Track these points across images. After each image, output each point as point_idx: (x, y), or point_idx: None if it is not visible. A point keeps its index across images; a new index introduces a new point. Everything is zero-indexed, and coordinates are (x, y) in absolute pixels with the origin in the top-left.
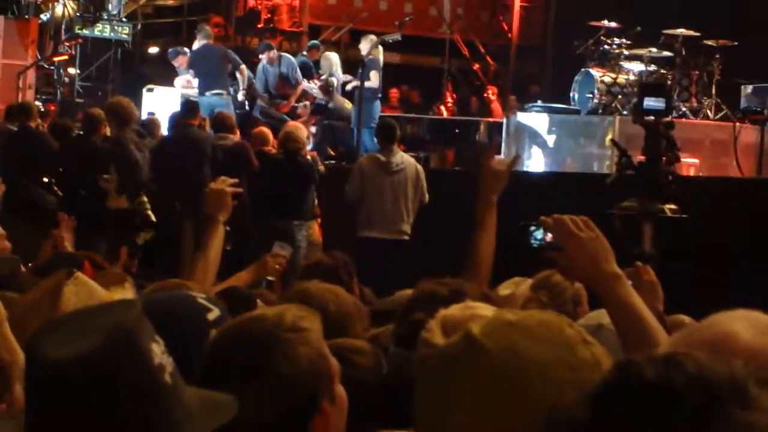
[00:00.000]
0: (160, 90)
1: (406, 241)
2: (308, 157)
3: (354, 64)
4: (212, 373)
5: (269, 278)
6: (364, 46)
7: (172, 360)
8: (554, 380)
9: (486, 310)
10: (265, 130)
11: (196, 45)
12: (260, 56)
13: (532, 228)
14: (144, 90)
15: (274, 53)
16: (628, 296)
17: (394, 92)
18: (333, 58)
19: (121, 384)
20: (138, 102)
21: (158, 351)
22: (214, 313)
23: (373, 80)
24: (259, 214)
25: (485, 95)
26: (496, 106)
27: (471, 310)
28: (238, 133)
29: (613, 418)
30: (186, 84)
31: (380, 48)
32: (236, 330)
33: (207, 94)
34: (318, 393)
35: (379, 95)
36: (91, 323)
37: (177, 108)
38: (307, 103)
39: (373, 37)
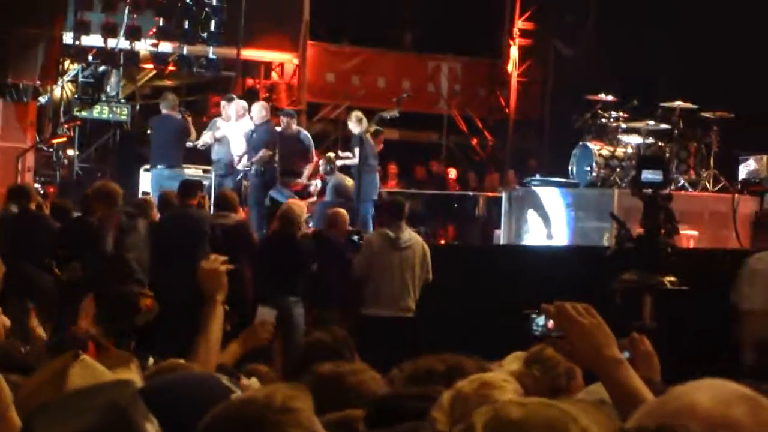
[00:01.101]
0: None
1: (411, 319)
2: (307, 234)
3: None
4: None
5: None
6: (353, 125)
7: None
8: None
9: (501, 389)
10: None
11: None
12: (282, 118)
13: (534, 315)
14: (141, 170)
15: (295, 124)
16: (628, 380)
17: (392, 168)
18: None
19: None
20: (135, 182)
21: (152, 430)
22: (237, 395)
23: (355, 155)
24: (256, 292)
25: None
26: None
27: (485, 389)
28: (240, 211)
29: None
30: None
31: (364, 123)
32: (227, 413)
33: (158, 167)
34: None
35: (377, 170)
36: (86, 403)
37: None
38: (318, 181)
39: (358, 113)
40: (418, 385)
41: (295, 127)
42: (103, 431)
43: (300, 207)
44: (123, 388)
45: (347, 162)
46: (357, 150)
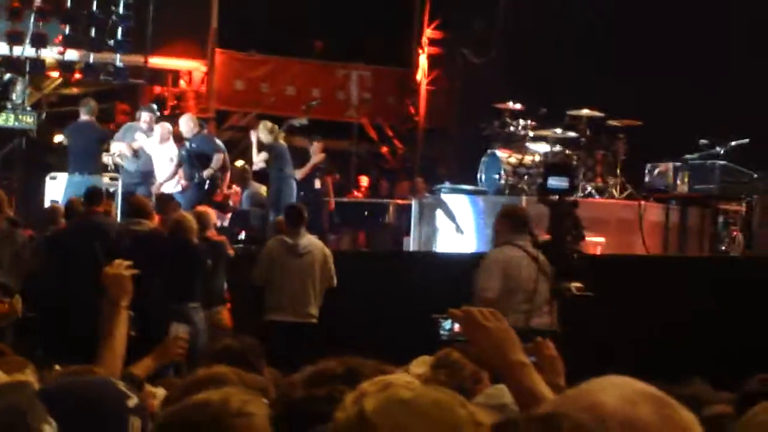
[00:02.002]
0: (63, 177)
1: (314, 324)
2: (208, 241)
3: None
4: None
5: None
6: (263, 134)
7: None
8: None
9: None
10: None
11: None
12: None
13: (441, 320)
14: (47, 178)
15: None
16: (533, 383)
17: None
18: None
19: None
20: (41, 190)
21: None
22: (133, 401)
23: (257, 162)
24: (156, 297)
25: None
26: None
27: (389, 388)
28: (155, 218)
29: None
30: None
31: (275, 131)
32: (182, 416)
33: (76, 173)
34: None
35: (293, 179)
36: None
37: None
38: (238, 189)
39: (267, 123)
40: (317, 387)
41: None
42: None
43: (204, 214)
44: (21, 390)
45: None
46: (267, 158)
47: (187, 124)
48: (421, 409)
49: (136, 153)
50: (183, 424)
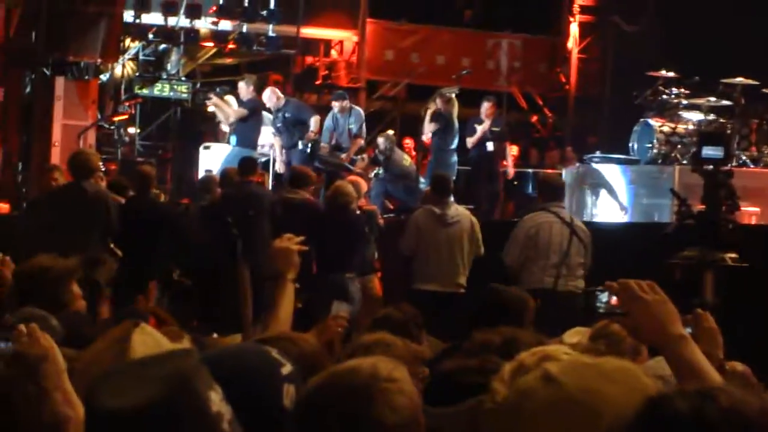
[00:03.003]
0: (216, 147)
1: (462, 294)
2: (361, 210)
3: (412, 120)
4: (310, 425)
5: None
6: (440, 102)
7: (239, 411)
8: (627, 420)
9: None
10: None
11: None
12: (333, 103)
13: (598, 292)
14: (201, 148)
15: (346, 103)
16: (692, 357)
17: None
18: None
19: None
20: (195, 159)
21: (216, 399)
22: (287, 368)
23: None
24: (316, 268)
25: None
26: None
27: (548, 359)
28: (312, 188)
29: None
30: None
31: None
32: (334, 381)
33: (234, 145)
34: None
35: (454, 152)
36: (150, 372)
37: (222, 161)
38: (366, 156)
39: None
40: (470, 358)
41: (347, 104)
42: (168, 400)
43: (357, 183)
44: (187, 357)
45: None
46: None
47: (270, 97)
48: (609, 373)
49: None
50: (336, 389)
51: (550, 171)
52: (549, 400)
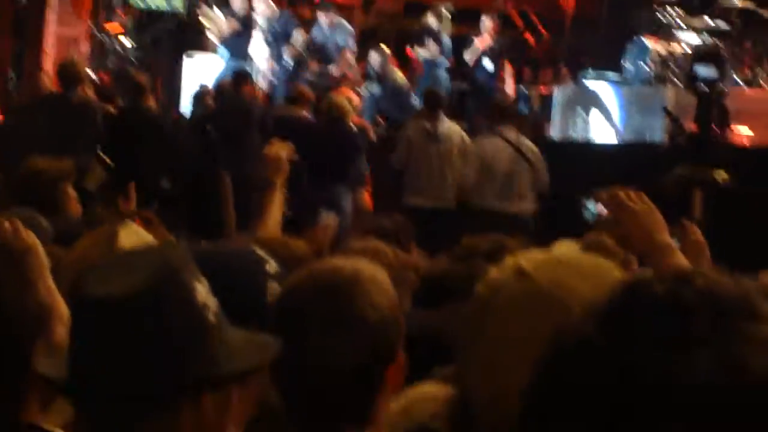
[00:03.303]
0: (200, 57)
1: (452, 210)
2: (355, 124)
3: (407, 35)
4: (290, 320)
5: None
6: (432, 19)
7: (223, 305)
8: None
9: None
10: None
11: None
12: (319, 16)
13: (587, 201)
14: (184, 56)
15: (333, 16)
16: (678, 265)
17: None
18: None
19: (165, 321)
20: (179, 70)
21: (203, 291)
22: (272, 266)
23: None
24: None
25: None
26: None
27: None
28: (308, 107)
29: (621, 334)
30: None
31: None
32: (316, 278)
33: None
34: (396, 343)
35: (444, 67)
36: (137, 263)
37: (218, 74)
38: (356, 69)
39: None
40: (458, 263)
41: (335, 19)
42: (155, 289)
43: (348, 96)
44: (174, 250)
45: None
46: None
47: (263, 10)
48: (582, 269)
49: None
50: (319, 285)
51: (542, 88)
52: (519, 294)
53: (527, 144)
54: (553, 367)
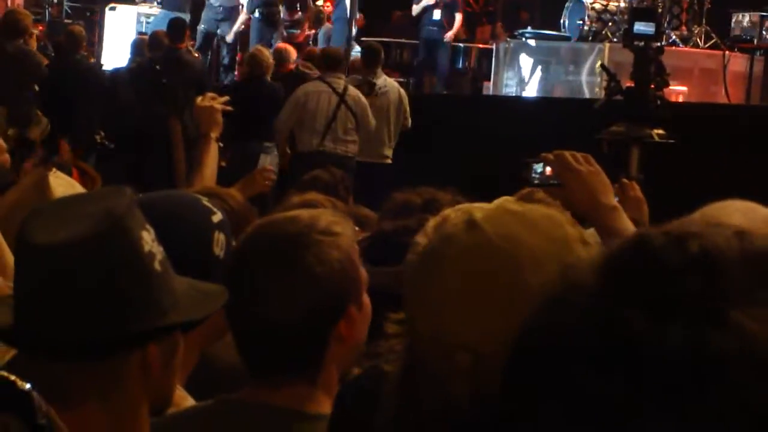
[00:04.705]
0: (123, 8)
1: (387, 165)
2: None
3: None
4: (240, 269)
5: None
6: None
7: (169, 254)
8: (545, 272)
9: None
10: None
11: None
12: None
13: (533, 164)
14: (107, 9)
15: None
16: (623, 226)
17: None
18: None
19: (110, 269)
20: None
21: (148, 239)
22: (218, 216)
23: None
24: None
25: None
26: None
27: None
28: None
29: (612, 287)
30: None
31: None
32: (270, 228)
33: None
34: (346, 297)
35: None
36: (81, 210)
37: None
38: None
39: None
40: (396, 218)
41: None
42: (99, 237)
43: (282, 50)
44: (119, 197)
45: None
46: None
47: None
48: (531, 221)
49: None
50: (271, 235)
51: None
52: (469, 245)
53: (353, 92)
54: (549, 306)
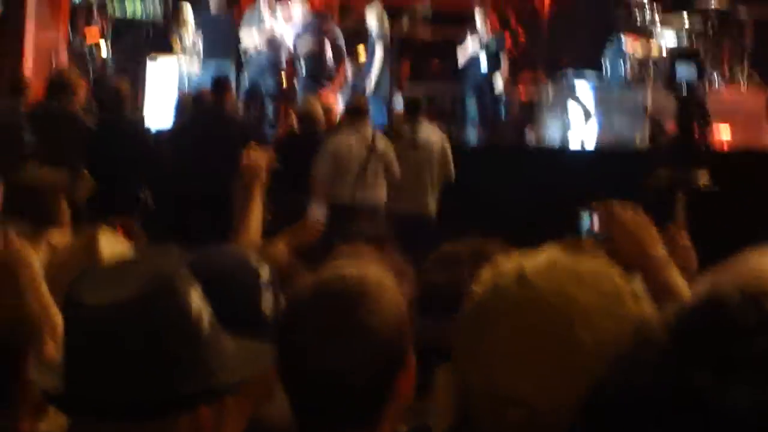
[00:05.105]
0: (163, 59)
1: (431, 217)
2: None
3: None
4: (294, 326)
5: None
6: (372, 19)
7: (217, 314)
8: (597, 327)
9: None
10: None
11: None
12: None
13: (582, 213)
14: (148, 59)
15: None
16: (672, 280)
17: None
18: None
19: (158, 330)
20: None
21: (197, 299)
22: (265, 273)
23: (378, 52)
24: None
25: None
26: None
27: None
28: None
29: (683, 346)
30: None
31: (385, 18)
32: (321, 283)
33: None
34: (403, 350)
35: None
36: (131, 271)
37: (175, 78)
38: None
39: (379, 7)
40: (445, 270)
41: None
42: (147, 298)
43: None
44: (167, 257)
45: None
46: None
47: (297, 6)
48: (580, 275)
49: (268, 40)
50: (323, 292)
51: (521, 91)
52: (521, 301)
53: (380, 139)
54: (624, 362)
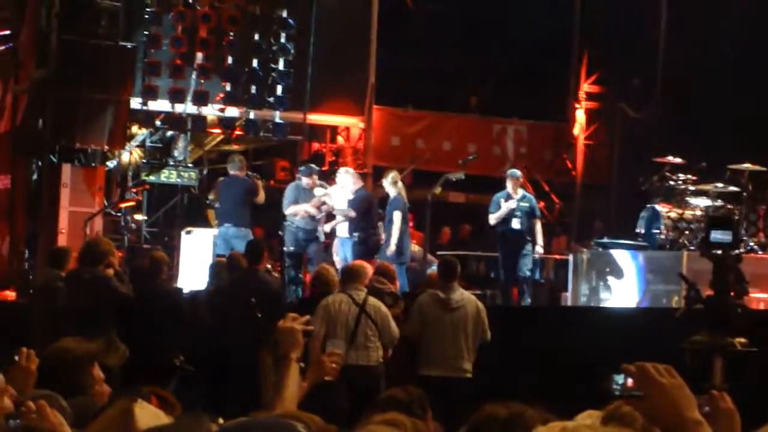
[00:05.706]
0: (198, 232)
1: (468, 379)
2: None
3: (417, 205)
4: None
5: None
6: (388, 185)
7: None
8: None
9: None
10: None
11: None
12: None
13: (614, 375)
14: (183, 232)
15: (315, 180)
16: None
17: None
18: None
19: None
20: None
21: None
22: None
23: (395, 219)
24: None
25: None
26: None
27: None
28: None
29: None
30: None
31: (400, 185)
32: None
33: (225, 225)
34: None
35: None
36: None
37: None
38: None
39: (393, 173)
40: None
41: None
42: None
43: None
44: (197, 427)
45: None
46: (398, 214)
47: (346, 178)
48: None
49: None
50: None
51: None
52: None
53: (373, 302)
54: None
